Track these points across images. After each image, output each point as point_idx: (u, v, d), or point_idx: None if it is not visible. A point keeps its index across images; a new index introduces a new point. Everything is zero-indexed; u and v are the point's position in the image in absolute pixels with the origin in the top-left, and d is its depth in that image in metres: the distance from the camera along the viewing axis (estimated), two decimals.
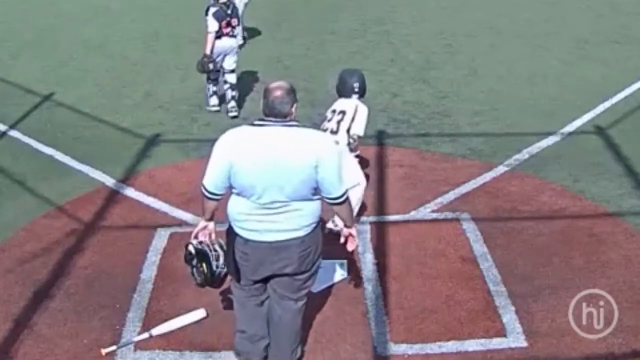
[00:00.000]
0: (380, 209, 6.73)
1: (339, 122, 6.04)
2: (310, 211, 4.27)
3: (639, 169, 7.40)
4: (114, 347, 4.96)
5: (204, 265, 4.74)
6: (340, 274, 5.70)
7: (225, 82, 9.10)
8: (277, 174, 4.11)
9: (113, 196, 7.14)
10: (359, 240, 6.11)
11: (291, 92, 4.23)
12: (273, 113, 4.18)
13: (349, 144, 6.03)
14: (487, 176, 7.32)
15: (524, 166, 7.55)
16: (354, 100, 6.22)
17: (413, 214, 6.66)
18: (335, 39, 12.62)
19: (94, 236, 6.40)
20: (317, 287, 5.50)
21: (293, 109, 4.23)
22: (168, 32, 13.25)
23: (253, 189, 4.16)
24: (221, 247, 4.68)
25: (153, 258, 6.01)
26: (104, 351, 4.92)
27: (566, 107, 9.12)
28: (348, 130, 6.02)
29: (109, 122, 9.06)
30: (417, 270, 5.78)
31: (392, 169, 7.56)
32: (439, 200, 6.87)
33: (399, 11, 14.41)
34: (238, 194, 4.25)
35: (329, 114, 6.21)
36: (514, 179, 7.26)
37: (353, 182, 5.84)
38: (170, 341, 5.03)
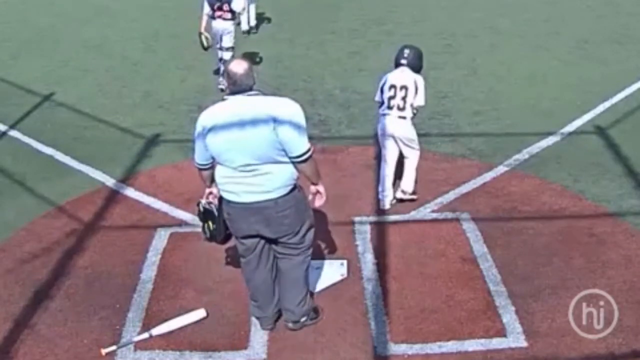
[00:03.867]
0: (381, 209, 6.72)
1: (404, 98, 6.40)
2: (281, 174, 4.60)
3: (639, 169, 7.40)
4: (114, 347, 4.96)
5: (209, 222, 5.03)
6: (340, 274, 5.70)
7: (221, 59, 10.08)
8: (243, 139, 4.49)
9: (113, 196, 7.14)
10: (359, 240, 6.18)
11: (250, 67, 4.60)
12: (240, 89, 4.56)
13: (413, 116, 6.50)
14: (487, 176, 7.32)
15: (524, 166, 7.54)
16: (410, 72, 6.47)
17: (413, 214, 6.65)
18: (335, 39, 12.63)
19: (94, 236, 6.40)
20: (317, 287, 5.52)
21: (254, 82, 4.60)
22: (168, 32, 13.26)
23: (226, 155, 4.58)
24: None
25: (153, 258, 6.01)
26: (104, 351, 4.92)
27: (566, 107, 9.12)
28: (411, 104, 6.44)
29: (109, 122, 9.07)
30: (417, 270, 5.78)
31: None
32: (439, 200, 6.87)
33: (399, 11, 14.42)
34: (217, 162, 4.69)
35: (386, 89, 6.49)
36: (514, 179, 7.26)
37: (417, 151, 6.65)
38: (170, 341, 5.03)
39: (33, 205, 6.97)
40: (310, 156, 4.60)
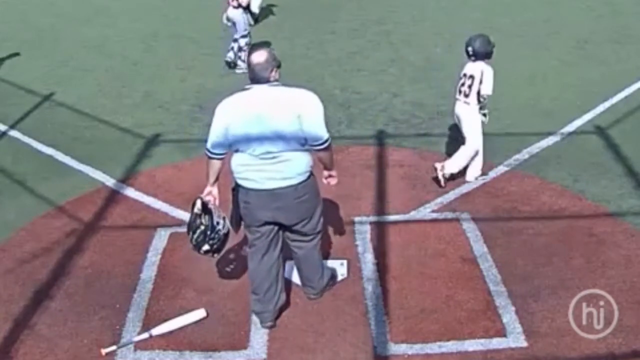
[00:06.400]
0: (380, 209, 6.73)
1: (470, 87, 6.98)
2: (300, 161, 4.82)
3: (639, 169, 7.40)
4: (114, 347, 4.97)
5: (206, 217, 5.01)
6: (340, 274, 5.70)
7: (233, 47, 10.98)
8: (266, 128, 4.67)
9: (113, 196, 7.14)
10: (359, 240, 6.18)
11: (270, 59, 4.75)
12: (256, 79, 4.75)
13: (479, 102, 6.98)
14: (487, 176, 7.31)
15: (524, 166, 7.54)
16: (480, 63, 7.00)
17: (413, 214, 6.65)
18: (335, 39, 12.62)
19: (94, 236, 6.40)
20: None
21: (273, 73, 4.76)
22: (168, 32, 13.26)
23: (247, 143, 4.73)
24: (224, 218, 5.06)
25: (153, 258, 6.01)
26: (104, 351, 4.92)
27: (566, 107, 9.11)
28: (478, 92, 6.94)
29: (109, 122, 9.06)
30: (417, 270, 5.78)
31: (392, 169, 7.56)
32: (439, 200, 6.87)
33: (399, 11, 14.41)
34: (237, 150, 4.81)
35: (461, 76, 7.11)
36: (514, 179, 7.26)
37: (473, 138, 7.05)
38: (170, 341, 5.03)
39: (33, 205, 6.97)
40: (330, 144, 4.88)
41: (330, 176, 5.14)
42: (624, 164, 7.53)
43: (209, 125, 9.04)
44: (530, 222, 6.42)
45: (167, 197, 7.02)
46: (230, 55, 11.06)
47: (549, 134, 8.29)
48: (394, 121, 8.97)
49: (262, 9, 13.98)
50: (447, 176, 7.04)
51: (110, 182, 7.42)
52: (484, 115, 7.10)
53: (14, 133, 8.80)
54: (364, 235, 6.27)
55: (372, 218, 6.57)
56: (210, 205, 5.02)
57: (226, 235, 5.06)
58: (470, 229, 6.34)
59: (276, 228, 5.01)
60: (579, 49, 11.72)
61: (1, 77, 10.75)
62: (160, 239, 6.28)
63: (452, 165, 7.07)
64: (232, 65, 11.01)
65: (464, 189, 7.07)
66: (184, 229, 6.36)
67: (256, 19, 13.46)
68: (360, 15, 14.15)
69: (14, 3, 15.66)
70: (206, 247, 5.03)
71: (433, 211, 6.70)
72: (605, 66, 10.81)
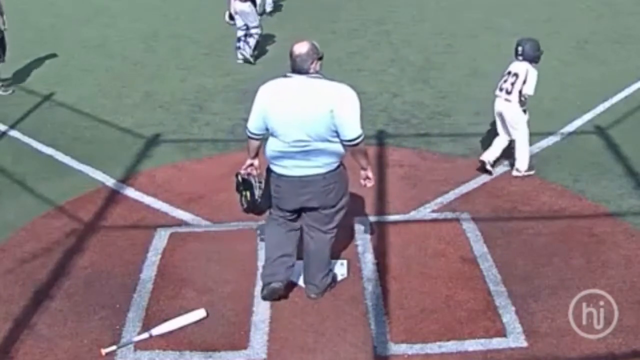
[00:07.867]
0: (380, 209, 6.73)
1: (512, 84, 7.15)
2: (330, 151, 4.95)
3: (639, 169, 7.40)
4: (114, 347, 4.96)
5: (247, 193, 5.29)
6: (340, 274, 5.70)
7: (239, 38, 11.38)
8: (301, 117, 4.82)
9: (113, 196, 7.14)
10: (359, 240, 6.18)
11: (311, 51, 4.89)
12: (296, 69, 4.91)
13: (520, 100, 7.13)
14: (487, 176, 7.31)
15: None
16: (525, 63, 7.15)
17: (413, 214, 6.66)
18: (335, 39, 12.62)
19: (94, 236, 6.40)
20: None
21: (313, 65, 4.90)
22: (168, 32, 13.27)
23: (281, 130, 4.90)
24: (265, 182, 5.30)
25: (153, 258, 6.01)
26: (104, 351, 4.92)
27: (566, 107, 9.11)
28: (520, 91, 7.09)
29: (109, 122, 9.06)
30: (417, 270, 5.78)
31: (392, 169, 7.56)
32: (439, 200, 6.87)
33: (399, 11, 14.42)
34: (272, 135, 4.99)
35: (505, 74, 7.28)
36: (514, 179, 7.25)
37: (521, 132, 7.22)
38: (170, 341, 5.03)
39: (33, 205, 6.97)
40: (361, 141, 4.98)
41: (367, 177, 5.23)
42: (624, 164, 7.53)
43: (208, 124, 9.15)
44: (530, 222, 6.42)
45: (167, 197, 7.02)
46: (243, 51, 11.34)
47: (549, 134, 8.29)
48: (394, 121, 8.97)
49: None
50: (526, 171, 7.24)
51: (110, 182, 7.41)
52: (524, 112, 7.21)
53: (14, 133, 8.80)
54: (364, 235, 6.27)
55: (372, 218, 6.56)
56: (251, 178, 5.26)
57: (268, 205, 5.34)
58: (470, 229, 6.34)
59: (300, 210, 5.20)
60: (579, 49, 11.74)
61: (2, 77, 10.74)
62: (160, 239, 6.28)
63: (522, 162, 7.24)
64: (247, 60, 11.32)
65: (464, 189, 7.07)
66: (184, 229, 6.42)
67: (261, 13, 13.44)
68: (360, 15, 14.16)
69: (14, 3, 15.63)
70: (251, 214, 5.43)
71: (433, 211, 6.70)
72: (605, 66, 10.82)
